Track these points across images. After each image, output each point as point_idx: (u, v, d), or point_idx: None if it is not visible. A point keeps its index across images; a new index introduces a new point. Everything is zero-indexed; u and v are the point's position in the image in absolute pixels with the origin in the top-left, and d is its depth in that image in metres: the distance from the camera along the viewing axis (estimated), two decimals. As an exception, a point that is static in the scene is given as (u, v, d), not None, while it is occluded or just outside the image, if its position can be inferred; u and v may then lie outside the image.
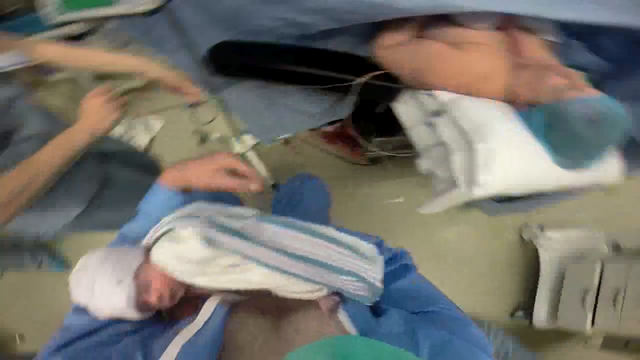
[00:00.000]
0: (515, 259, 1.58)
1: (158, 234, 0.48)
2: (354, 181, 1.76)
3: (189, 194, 0.56)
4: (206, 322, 0.39)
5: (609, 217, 1.53)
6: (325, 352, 0.23)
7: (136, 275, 0.45)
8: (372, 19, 0.78)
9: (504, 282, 1.56)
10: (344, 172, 1.78)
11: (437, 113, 0.87)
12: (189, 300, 0.48)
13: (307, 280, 0.43)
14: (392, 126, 1.21)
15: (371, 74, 0.83)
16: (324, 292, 0.45)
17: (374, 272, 0.46)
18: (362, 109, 1.06)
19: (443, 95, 0.83)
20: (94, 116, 0.66)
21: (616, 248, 1.30)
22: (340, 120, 1.23)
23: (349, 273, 0.44)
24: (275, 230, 0.48)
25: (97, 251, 0.48)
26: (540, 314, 1.35)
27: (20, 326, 1.68)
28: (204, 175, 0.53)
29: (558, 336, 1.38)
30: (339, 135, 1.63)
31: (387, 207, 1.72)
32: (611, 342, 1.18)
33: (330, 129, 1.57)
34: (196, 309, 0.41)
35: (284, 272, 0.43)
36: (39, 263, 1.65)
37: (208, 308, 0.41)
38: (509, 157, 0.74)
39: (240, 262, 0.44)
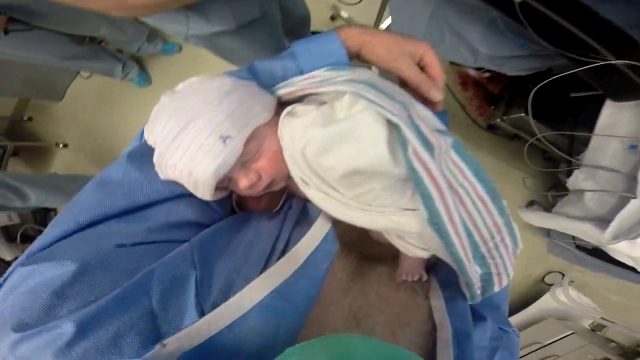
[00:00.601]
0: (517, 290, 1.54)
1: (310, 90, 0.36)
2: (455, 132, 1.61)
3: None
4: (312, 254, 0.32)
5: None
6: (325, 350, 0.22)
7: (251, 138, 0.33)
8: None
9: None
10: (453, 119, 1.61)
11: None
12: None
13: (454, 254, 0.33)
14: (554, 114, 1.01)
15: (629, 62, 0.61)
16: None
17: (510, 268, 0.36)
18: (538, 80, 0.86)
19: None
20: None
21: (597, 328, 1.32)
22: (498, 74, 1.04)
23: (489, 266, 0.35)
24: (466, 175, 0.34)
25: (217, 78, 0.35)
26: None
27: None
28: (390, 51, 0.41)
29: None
30: (477, 85, 1.41)
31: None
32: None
33: (474, 73, 1.35)
34: (272, 213, 0.36)
35: (448, 236, 0.32)
36: (126, 74, 1.74)
37: (317, 231, 0.34)
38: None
39: (406, 200, 0.32)
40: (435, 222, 0.31)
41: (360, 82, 0.33)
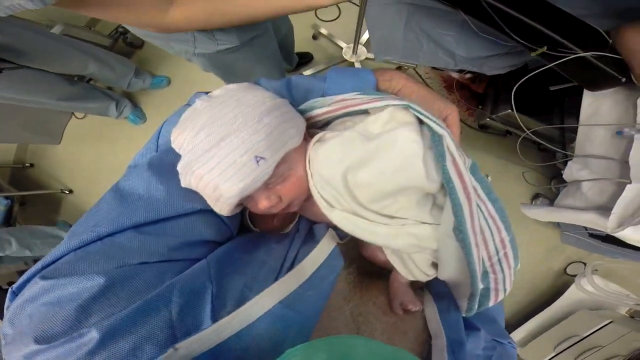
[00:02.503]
0: (542, 284, 1.51)
1: (352, 107, 0.36)
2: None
3: None
4: (318, 270, 0.33)
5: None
6: (324, 351, 0.22)
7: (282, 161, 0.34)
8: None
9: (519, 298, 1.51)
10: (444, 124, 1.62)
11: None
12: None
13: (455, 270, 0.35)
14: (538, 108, 1.01)
15: (598, 53, 0.61)
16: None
17: (509, 285, 0.37)
18: (518, 75, 0.86)
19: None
20: None
21: (635, 315, 1.27)
22: (480, 74, 1.05)
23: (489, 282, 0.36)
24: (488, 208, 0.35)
25: (257, 91, 0.36)
26: (515, 338, 1.33)
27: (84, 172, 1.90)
28: (424, 99, 0.44)
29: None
30: (462, 86, 1.42)
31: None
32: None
33: (456, 75, 1.36)
34: (283, 231, 0.37)
35: (470, 247, 0.32)
36: (121, 112, 1.76)
37: (323, 250, 0.35)
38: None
39: (426, 215, 0.34)
40: (460, 229, 0.32)
41: (403, 99, 0.35)
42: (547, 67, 0.67)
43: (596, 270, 1.27)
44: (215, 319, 0.28)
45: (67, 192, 1.90)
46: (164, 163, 0.35)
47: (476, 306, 0.36)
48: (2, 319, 0.30)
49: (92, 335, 0.24)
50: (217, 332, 0.27)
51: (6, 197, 1.64)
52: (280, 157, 0.33)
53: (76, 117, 1.95)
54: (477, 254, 0.33)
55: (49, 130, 1.91)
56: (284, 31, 1.18)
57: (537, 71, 0.72)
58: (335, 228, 0.38)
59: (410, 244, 0.35)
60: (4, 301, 0.30)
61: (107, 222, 0.31)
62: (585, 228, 1.10)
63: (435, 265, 0.39)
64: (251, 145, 0.31)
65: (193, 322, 0.28)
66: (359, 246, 0.45)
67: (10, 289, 0.30)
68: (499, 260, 0.35)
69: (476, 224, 0.32)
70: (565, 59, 0.61)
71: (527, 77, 0.75)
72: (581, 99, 0.79)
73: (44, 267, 0.29)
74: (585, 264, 1.44)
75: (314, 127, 0.41)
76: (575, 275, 1.36)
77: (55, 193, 1.90)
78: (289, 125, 0.35)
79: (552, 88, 0.88)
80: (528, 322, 1.36)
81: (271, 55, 0.99)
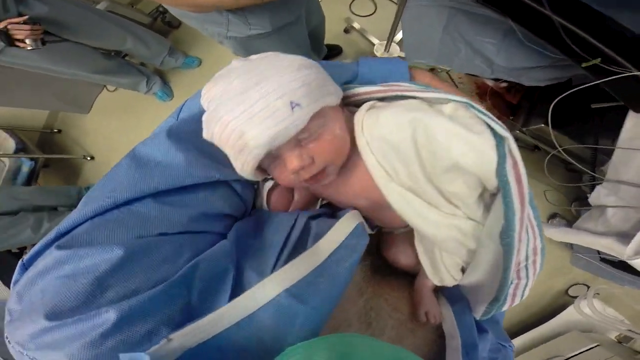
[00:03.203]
0: (541, 301, 1.49)
1: (404, 92, 0.35)
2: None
3: None
4: (336, 251, 0.31)
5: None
6: (325, 349, 0.21)
7: (317, 115, 0.31)
8: None
9: (515, 312, 1.50)
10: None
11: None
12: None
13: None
14: (575, 124, 0.97)
15: None
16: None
17: (527, 291, 0.36)
18: (558, 90, 0.84)
19: None
20: None
21: (624, 340, 1.25)
22: (517, 83, 1.02)
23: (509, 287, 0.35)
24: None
25: (293, 55, 0.34)
26: None
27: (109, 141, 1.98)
28: None
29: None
30: (495, 95, 1.38)
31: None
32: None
33: (490, 83, 1.33)
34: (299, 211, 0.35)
35: (512, 251, 0.31)
36: (150, 88, 1.81)
37: (343, 227, 0.33)
38: None
39: (477, 213, 0.33)
40: (508, 234, 0.30)
41: (461, 98, 0.33)
42: (594, 83, 0.64)
43: (597, 294, 1.26)
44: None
45: (88, 158, 1.98)
46: (183, 130, 0.34)
47: (494, 311, 0.36)
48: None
49: (109, 316, 0.23)
50: (213, 322, 0.25)
51: (31, 159, 1.71)
52: (318, 107, 0.30)
53: (107, 90, 2.02)
54: (517, 259, 0.32)
55: (80, 100, 1.99)
56: (315, 22, 1.18)
57: (582, 87, 0.69)
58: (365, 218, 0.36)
59: (453, 237, 0.34)
60: (13, 266, 0.27)
61: (125, 188, 0.29)
62: (598, 252, 1.08)
63: (463, 270, 0.39)
64: (288, 90, 0.29)
65: (211, 304, 0.26)
66: (382, 247, 0.45)
67: (20, 262, 0.28)
68: (526, 266, 0.34)
69: (523, 231, 0.31)
70: (616, 76, 0.58)
71: (570, 91, 0.72)
72: (621, 120, 0.76)
73: (58, 236, 0.28)
74: (588, 287, 1.42)
75: (350, 105, 0.39)
76: (575, 297, 1.35)
77: (77, 158, 1.99)
78: (328, 82, 0.33)
79: (594, 105, 0.85)
80: (519, 337, 1.36)
81: (302, 44, 1.00)
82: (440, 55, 1.08)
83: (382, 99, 0.37)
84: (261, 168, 0.34)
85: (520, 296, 0.36)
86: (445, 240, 0.34)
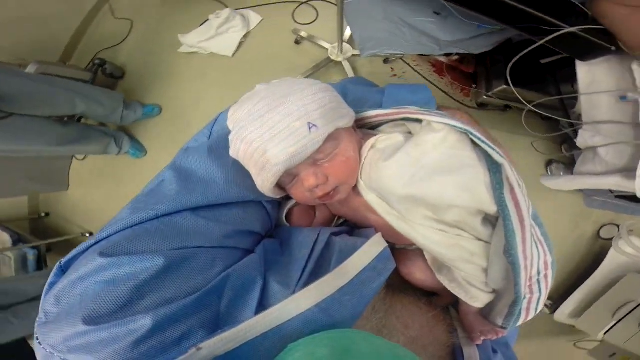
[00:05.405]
0: (578, 252, 1.44)
1: (410, 115, 0.36)
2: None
3: None
4: (363, 272, 0.31)
5: None
6: (326, 345, 0.22)
7: (331, 136, 0.33)
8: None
9: (558, 271, 1.44)
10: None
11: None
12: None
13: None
14: (531, 80, 0.98)
15: (584, 27, 0.61)
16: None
17: (541, 305, 0.36)
18: (503, 50, 0.84)
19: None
20: None
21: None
22: (464, 55, 1.02)
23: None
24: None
25: (310, 79, 0.37)
26: (566, 310, 1.30)
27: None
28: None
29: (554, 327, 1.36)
30: (452, 69, 1.39)
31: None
32: (599, 352, 1.20)
33: (443, 59, 1.33)
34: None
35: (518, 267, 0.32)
36: (120, 148, 1.70)
37: (372, 248, 0.34)
38: None
39: (483, 232, 0.33)
40: (511, 253, 0.31)
41: (463, 124, 0.34)
42: (539, 43, 0.65)
43: (631, 230, 1.22)
44: (258, 312, 0.27)
45: (87, 234, 1.91)
46: (222, 147, 0.36)
47: (509, 326, 0.36)
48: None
49: (145, 322, 0.24)
50: (243, 331, 0.26)
51: (32, 247, 1.65)
52: (333, 129, 0.33)
53: (77, 159, 1.97)
54: (525, 275, 0.32)
55: (54, 177, 1.92)
56: None
57: (529, 48, 0.70)
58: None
59: (461, 257, 0.34)
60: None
61: (167, 201, 0.32)
62: (611, 190, 1.07)
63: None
64: (306, 112, 0.31)
65: (239, 314, 0.27)
66: (397, 262, 0.43)
67: (57, 264, 0.29)
68: (539, 280, 0.35)
69: (527, 248, 0.31)
70: (554, 35, 0.59)
71: (517, 57, 0.73)
72: (571, 67, 0.78)
73: (98, 241, 0.29)
74: (618, 225, 1.37)
75: (364, 127, 0.41)
76: (610, 239, 1.29)
77: (77, 237, 1.92)
78: (341, 105, 0.36)
79: (543, 61, 0.86)
80: (575, 293, 1.30)
81: None
82: (390, 42, 1.09)
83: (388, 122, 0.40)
84: (279, 186, 0.36)
85: (534, 310, 0.35)
86: (455, 260, 0.34)
